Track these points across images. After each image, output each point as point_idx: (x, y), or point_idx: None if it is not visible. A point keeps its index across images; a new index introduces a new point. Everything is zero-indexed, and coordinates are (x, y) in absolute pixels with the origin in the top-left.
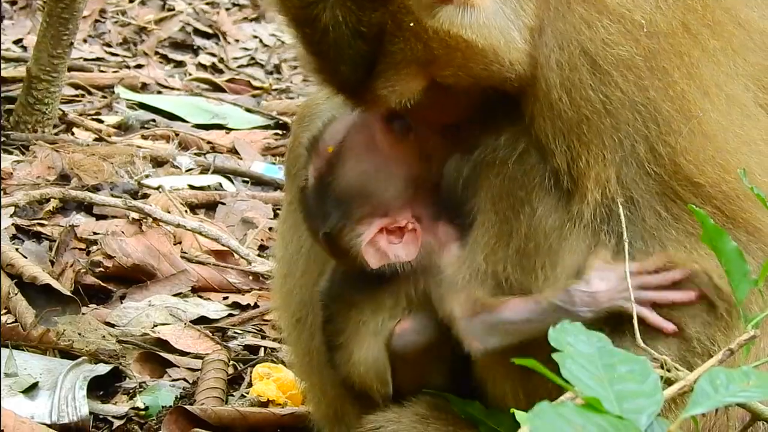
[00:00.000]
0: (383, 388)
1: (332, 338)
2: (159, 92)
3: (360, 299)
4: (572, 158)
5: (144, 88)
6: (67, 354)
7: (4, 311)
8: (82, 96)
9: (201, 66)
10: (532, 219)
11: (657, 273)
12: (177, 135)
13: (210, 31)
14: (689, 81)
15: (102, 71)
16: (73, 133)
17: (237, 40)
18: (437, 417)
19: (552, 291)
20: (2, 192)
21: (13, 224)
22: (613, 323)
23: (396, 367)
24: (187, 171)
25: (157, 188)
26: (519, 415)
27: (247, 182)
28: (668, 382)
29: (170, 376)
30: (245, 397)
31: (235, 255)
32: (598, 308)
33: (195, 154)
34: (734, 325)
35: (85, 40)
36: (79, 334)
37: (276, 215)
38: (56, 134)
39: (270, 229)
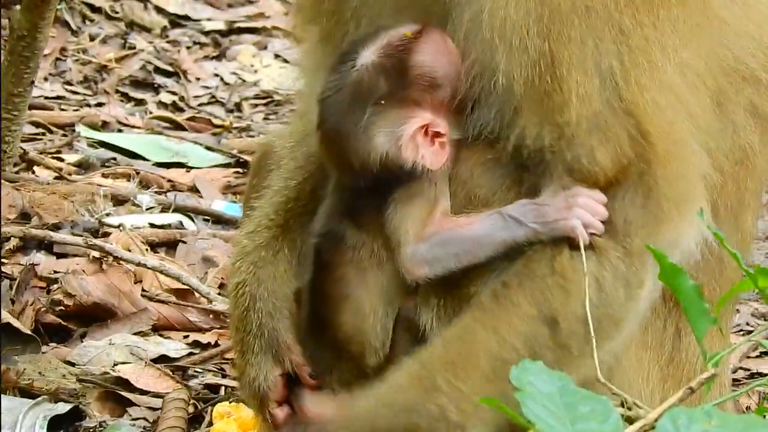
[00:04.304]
0: (382, 348)
1: (331, 290)
2: (120, 130)
3: (362, 241)
4: (552, 58)
5: (105, 126)
6: (27, 393)
7: None
8: (43, 134)
9: (161, 104)
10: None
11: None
12: (137, 173)
13: (171, 69)
14: (654, 31)
15: (63, 109)
16: (33, 172)
17: (198, 79)
18: None
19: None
20: None
21: None
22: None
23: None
24: (147, 209)
25: (118, 227)
26: None
27: (207, 221)
28: (629, 420)
29: (131, 415)
30: None
31: (195, 294)
32: (546, 221)
33: (155, 192)
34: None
35: (45, 79)
36: (40, 372)
37: None
38: (17, 173)
39: None
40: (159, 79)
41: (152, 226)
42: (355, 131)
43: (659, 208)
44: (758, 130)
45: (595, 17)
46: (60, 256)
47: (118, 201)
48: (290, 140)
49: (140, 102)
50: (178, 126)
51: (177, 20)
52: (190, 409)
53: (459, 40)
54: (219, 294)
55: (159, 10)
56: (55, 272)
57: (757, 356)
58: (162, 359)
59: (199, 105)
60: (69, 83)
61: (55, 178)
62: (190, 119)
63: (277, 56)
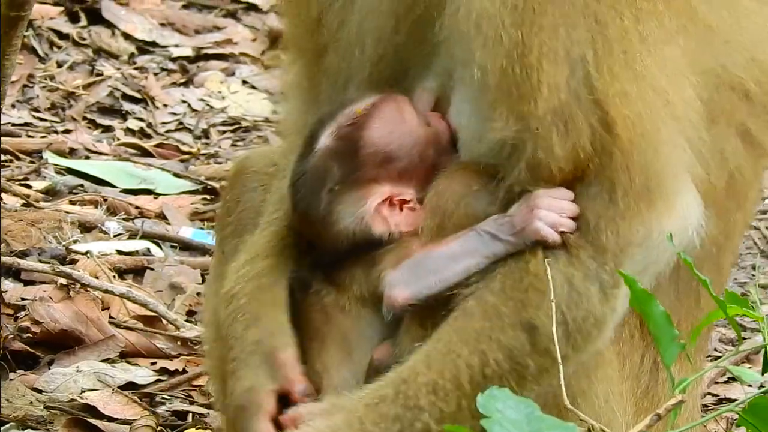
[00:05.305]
0: None
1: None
2: (87, 157)
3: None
4: (523, 47)
5: (72, 153)
6: None
7: None
8: (10, 161)
9: (129, 131)
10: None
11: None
12: (105, 200)
13: (138, 95)
14: (636, 23)
15: (30, 136)
16: (0, 199)
17: (165, 105)
18: None
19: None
20: None
21: None
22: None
23: None
24: (115, 236)
25: (85, 253)
26: None
27: (175, 247)
28: None
29: None
30: None
31: (163, 320)
32: (516, 232)
33: (123, 219)
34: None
35: (13, 105)
36: (7, 400)
37: (204, 280)
38: None
39: (198, 294)
40: (126, 106)
41: (120, 252)
42: (319, 215)
43: (624, 201)
44: (750, 156)
45: (570, 6)
46: (27, 283)
47: (86, 228)
48: (282, 161)
49: (108, 129)
50: (145, 152)
51: (144, 47)
52: None
53: (440, 40)
54: (187, 321)
55: (126, 36)
56: (23, 299)
57: (725, 382)
58: (129, 386)
59: (167, 131)
60: (36, 110)
61: (23, 205)
62: (157, 146)
63: (244, 82)
